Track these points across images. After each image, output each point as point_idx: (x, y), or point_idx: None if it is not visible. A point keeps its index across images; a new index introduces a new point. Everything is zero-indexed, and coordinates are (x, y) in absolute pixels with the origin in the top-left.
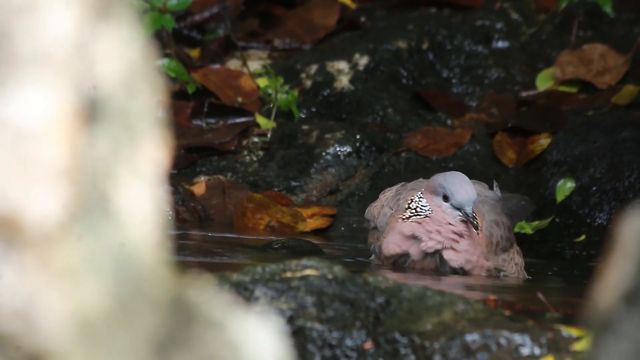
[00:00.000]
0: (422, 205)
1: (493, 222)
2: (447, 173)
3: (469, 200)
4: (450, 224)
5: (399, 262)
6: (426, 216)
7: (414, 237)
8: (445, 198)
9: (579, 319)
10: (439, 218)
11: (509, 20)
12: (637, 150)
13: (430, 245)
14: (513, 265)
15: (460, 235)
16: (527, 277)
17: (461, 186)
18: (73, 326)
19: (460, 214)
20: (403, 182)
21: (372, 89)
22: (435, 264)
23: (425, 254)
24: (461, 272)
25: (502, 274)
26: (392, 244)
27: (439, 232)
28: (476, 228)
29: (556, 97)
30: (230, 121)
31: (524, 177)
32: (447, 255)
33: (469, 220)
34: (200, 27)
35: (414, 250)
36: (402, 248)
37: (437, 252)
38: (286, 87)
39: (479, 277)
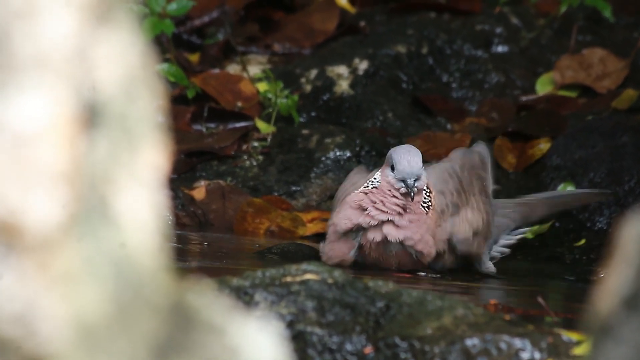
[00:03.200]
0: (374, 177)
1: (439, 192)
2: (401, 145)
3: (411, 172)
4: (394, 196)
5: (351, 241)
6: (374, 187)
7: (361, 208)
8: (392, 169)
9: (579, 324)
10: (384, 189)
11: (509, 24)
12: (637, 154)
13: (373, 214)
14: (465, 223)
15: (404, 209)
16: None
17: (405, 157)
18: (72, 330)
19: (403, 186)
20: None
21: (372, 94)
22: (382, 239)
23: (371, 227)
24: (403, 248)
25: (454, 239)
26: (343, 219)
27: (382, 202)
28: (412, 199)
29: (556, 102)
30: (230, 126)
31: (524, 182)
32: (386, 229)
33: (408, 193)
34: (200, 31)
35: (363, 220)
36: (352, 221)
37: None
38: (286, 92)
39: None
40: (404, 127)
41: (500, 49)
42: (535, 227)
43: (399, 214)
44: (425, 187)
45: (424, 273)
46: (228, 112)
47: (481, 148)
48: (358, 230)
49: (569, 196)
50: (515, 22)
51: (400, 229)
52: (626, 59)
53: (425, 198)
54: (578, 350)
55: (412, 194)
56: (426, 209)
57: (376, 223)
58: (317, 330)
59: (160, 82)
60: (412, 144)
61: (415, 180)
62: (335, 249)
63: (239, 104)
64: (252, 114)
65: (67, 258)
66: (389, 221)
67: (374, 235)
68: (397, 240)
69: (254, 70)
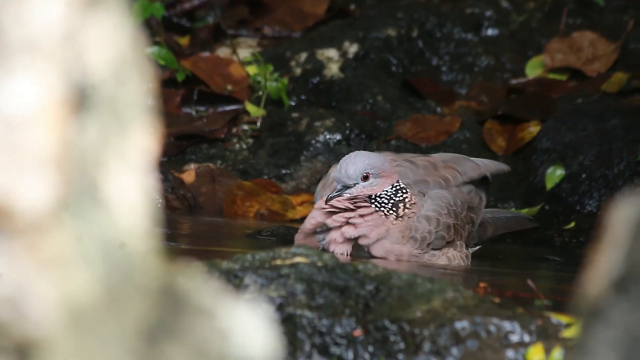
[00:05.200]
0: None
1: (423, 217)
2: (356, 151)
3: (337, 177)
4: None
5: (317, 242)
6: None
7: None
8: None
9: (569, 306)
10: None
11: (499, 8)
12: (626, 137)
13: (333, 218)
14: (444, 259)
15: (351, 210)
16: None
17: (343, 163)
18: (62, 314)
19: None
20: None
21: (362, 77)
22: (343, 240)
23: (334, 228)
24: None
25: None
26: (308, 219)
27: (337, 207)
28: (326, 201)
29: (546, 85)
30: (220, 109)
31: (514, 165)
32: (345, 229)
33: (330, 195)
34: (190, 15)
35: (329, 221)
36: (317, 220)
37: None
38: (276, 75)
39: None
40: (393, 110)
41: (490, 32)
42: (525, 210)
43: (351, 217)
44: (396, 195)
45: None
46: (218, 95)
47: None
48: (322, 231)
49: (509, 219)
50: (505, 5)
51: (356, 228)
52: (616, 42)
53: (386, 203)
54: (567, 333)
55: (331, 198)
56: (387, 213)
57: (337, 224)
58: (307, 313)
59: (150, 65)
60: (402, 127)
61: (344, 187)
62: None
63: (229, 87)
64: (242, 97)
65: (57, 241)
66: (348, 223)
67: (334, 234)
68: (352, 237)
69: (244, 53)
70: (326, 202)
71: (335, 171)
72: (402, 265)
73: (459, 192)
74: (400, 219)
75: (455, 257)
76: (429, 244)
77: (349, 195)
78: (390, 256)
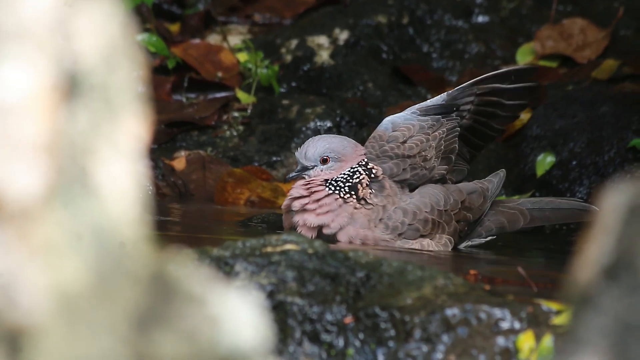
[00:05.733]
0: None
1: (400, 208)
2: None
3: (297, 158)
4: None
5: (291, 219)
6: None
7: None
8: None
9: (559, 293)
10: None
11: None
12: (616, 124)
13: (294, 204)
14: (416, 246)
15: (307, 195)
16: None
17: (304, 144)
18: (53, 301)
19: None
20: None
21: (352, 64)
22: (303, 224)
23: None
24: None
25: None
26: (286, 198)
27: (296, 189)
28: (284, 181)
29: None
30: (211, 96)
31: (504, 152)
32: (306, 216)
33: (288, 176)
34: (180, 1)
35: (294, 204)
36: (287, 200)
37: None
38: (266, 62)
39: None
40: (384, 97)
41: (480, 19)
42: (516, 197)
43: (309, 202)
44: (352, 178)
45: None
46: (208, 83)
47: (497, 178)
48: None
49: (555, 211)
50: None
51: (316, 215)
52: (606, 29)
53: (342, 186)
54: (558, 320)
55: (289, 178)
56: (343, 196)
57: (298, 207)
58: (298, 300)
59: (140, 52)
60: (390, 114)
61: (303, 168)
62: (285, 221)
63: (219, 74)
64: (233, 84)
65: (47, 229)
66: (310, 209)
67: (298, 219)
68: (313, 225)
69: (235, 40)
70: (285, 181)
71: (297, 152)
72: (392, 253)
73: (456, 191)
74: (362, 201)
75: (430, 245)
76: (400, 234)
77: (304, 181)
78: (356, 241)
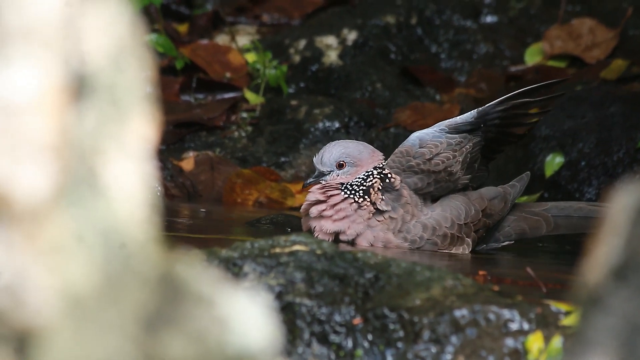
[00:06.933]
0: None
1: (420, 222)
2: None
3: (314, 164)
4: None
5: (308, 223)
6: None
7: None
8: None
9: (568, 294)
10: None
11: None
12: (625, 124)
13: (311, 210)
14: None
15: (322, 202)
16: None
17: (322, 150)
18: (61, 302)
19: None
20: None
21: (361, 64)
22: (320, 230)
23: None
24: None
25: None
26: (304, 202)
27: (313, 193)
28: (302, 187)
29: (545, 72)
30: (219, 96)
31: (513, 153)
32: (323, 223)
33: (306, 182)
34: (189, 2)
35: (311, 210)
36: (305, 205)
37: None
38: (275, 63)
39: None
40: (392, 97)
41: (489, 19)
42: (524, 198)
43: (325, 208)
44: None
45: None
46: (217, 83)
47: (521, 183)
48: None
49: (583, 219)
50: None
51: (332, 222)
52: (615, 28)
53: (357, 190)
54: (567, 321)
55: (307, 184)
56: (357, 200)
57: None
58: (306, 301)
59: (148, 52)
60: (401, 115)
61: (320, 174)
62: (303, 224)
63: (228, 74)
64: (241, 85)
65: (55, 229)
66: (326, 216)
67: (315, 225)
68: (329, 232)
69: (243, 40)
70: (302, 188)
71: (314, 158)
72: (401, 254)
73: (478, 199)
74: (373, 205)
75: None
76: (418, 248)
77: (320, 185)
78: (377, 244)
